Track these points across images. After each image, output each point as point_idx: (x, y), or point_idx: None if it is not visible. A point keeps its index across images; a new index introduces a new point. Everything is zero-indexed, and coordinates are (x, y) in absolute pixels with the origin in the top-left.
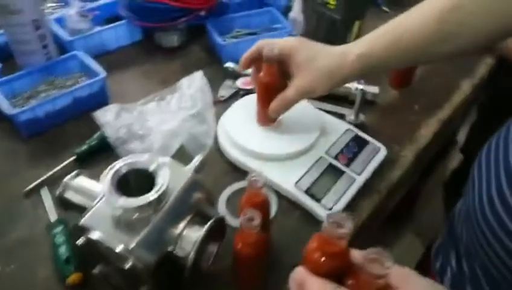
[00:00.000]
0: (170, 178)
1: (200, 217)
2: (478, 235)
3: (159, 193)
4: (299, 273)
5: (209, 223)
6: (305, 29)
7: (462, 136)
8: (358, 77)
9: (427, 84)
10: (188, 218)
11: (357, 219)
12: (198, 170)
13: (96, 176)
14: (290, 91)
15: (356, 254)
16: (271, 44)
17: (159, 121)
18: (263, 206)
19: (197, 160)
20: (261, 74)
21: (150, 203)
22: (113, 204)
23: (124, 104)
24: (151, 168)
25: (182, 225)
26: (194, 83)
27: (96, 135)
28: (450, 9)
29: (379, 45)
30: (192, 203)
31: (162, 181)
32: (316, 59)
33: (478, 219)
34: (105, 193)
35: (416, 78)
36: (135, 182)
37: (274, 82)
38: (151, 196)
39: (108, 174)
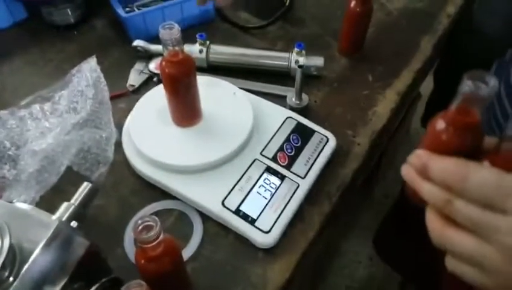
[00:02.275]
0: (27, 237)
1: (83, 282)
2: None
3: None
4: (420, 156)
5: None
6: None
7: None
8: None
9: (381, 46)
10: (59, 287)
11: (309, 233)
12: (78, 213)
13: None
14: None
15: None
16: None
17: (39, 134)
18: (166, 258)
19: (80, 193)
20: (164, 61)
21: None
22: None
23: None
24: None
25: None
26: (84, 75)
27: None
28: None
29: None
30: (69, 264)
31: None
32: None
33: None
34: None
35: (367, 40)
36: None
37: (185, 72)
38: None
39: None
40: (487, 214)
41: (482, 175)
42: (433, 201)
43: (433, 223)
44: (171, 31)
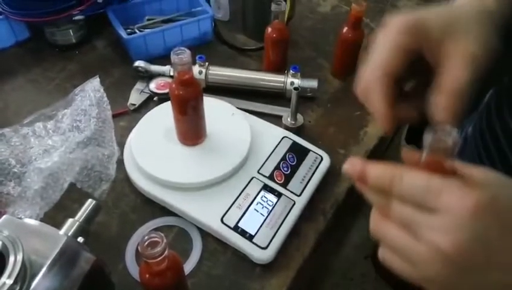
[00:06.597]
0: (37, 252)
1: None
2: None
3: (11, 278)
4: (354, 165)
5: None
6: (230, 12)
7: None
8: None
9: None
10: None
11: (305, 248)
12: (82, 229)
13: None
14: (456, 69)
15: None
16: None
17: (43, 151)
18: (170, 273)
19: (84, 209)
20: (174, 83)
21: None
22: None
23: (0, 128)
24: None
25: None
26: (88, 94)
27: None
28: None
29: None
30: (75, 278)
31: (12, 265)
32: (454, 19)
33: None
34: None
35: (359, 63)
36: None
37: (194, 93)
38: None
39: None
40: (418, 213)
41: (411, 177)
42: (374, 204)
43: (372, 215)
44: (182, 56)
